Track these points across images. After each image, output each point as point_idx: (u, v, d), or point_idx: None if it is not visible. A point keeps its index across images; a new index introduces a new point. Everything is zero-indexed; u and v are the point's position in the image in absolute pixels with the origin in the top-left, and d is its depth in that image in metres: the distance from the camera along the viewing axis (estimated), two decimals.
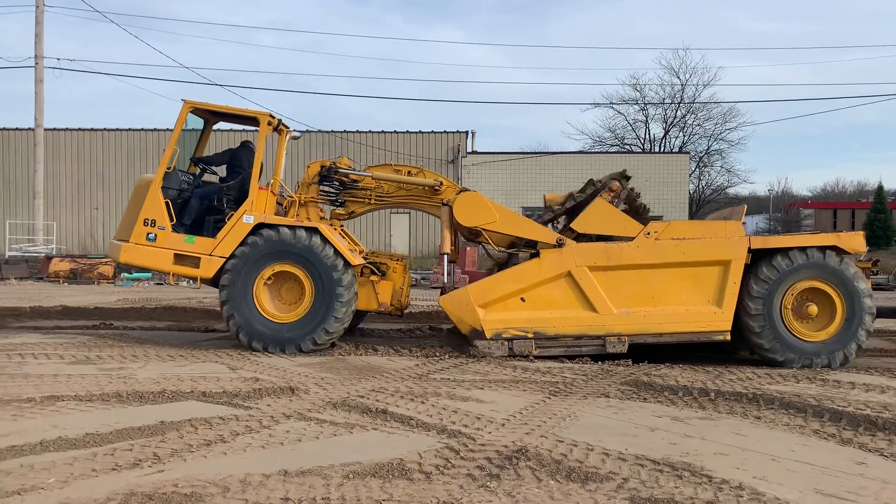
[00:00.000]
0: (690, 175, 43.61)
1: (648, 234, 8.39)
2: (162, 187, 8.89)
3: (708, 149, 53.69)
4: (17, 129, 34.77)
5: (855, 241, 8.34)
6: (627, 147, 53.52)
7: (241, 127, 9.69)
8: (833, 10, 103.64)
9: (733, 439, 5.16)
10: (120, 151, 34.76)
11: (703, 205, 52.23)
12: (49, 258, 22.01)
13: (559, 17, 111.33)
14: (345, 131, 34.83)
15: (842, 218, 79.78)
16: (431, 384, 6.79)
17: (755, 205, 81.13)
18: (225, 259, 8.69)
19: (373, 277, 9.42)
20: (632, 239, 8.41)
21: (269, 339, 8.56)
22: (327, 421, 5.45)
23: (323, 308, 8.57)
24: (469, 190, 9.28)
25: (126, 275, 20.50)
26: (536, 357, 8.27)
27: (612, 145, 53.76)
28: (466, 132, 35.65)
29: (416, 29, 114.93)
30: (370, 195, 9.63)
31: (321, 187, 9.62)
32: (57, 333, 9.99)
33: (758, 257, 8.34)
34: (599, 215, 8.65)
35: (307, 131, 34.72)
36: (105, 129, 34.91)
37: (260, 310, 8.61)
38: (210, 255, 8.74)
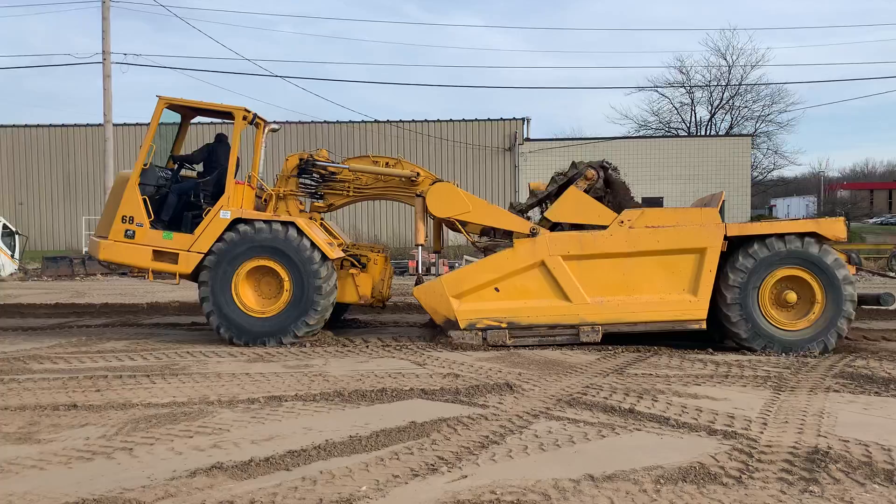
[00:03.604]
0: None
1: (622, 222, 8.26)
2: (139, 184, 8.81)
3: (755, 131, 52.79)
4: (75, 125, 35.00)
5: (835, 228, 8.10)
6: (673, 131, 52.79)
7: (220, 121, 9.68)
8: None
9: None
10: (186, 146, 34.87)
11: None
12: None
13: (579, 3, 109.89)
14: (400, 121, 34.60)
15: (879, 198, 78.17)
16: (641, 381, 6.59)
17: (791, 187, 79.63)
18: (203, 254, 8.63)
19: (352, 270, 9.37)
20: (605, 227, 8.27)
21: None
22: (580, 421, 5.28)
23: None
24: (442, 181, 9.09)
25: None
26: (714, 350, 8.04)
27: (657, 129, 53.06)
28: (523, 119, 35.16)
29: (434, 17, 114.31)
30: (348, 187, 9.50)
31: (300, 180, 9.48)
32: (201, 331, 9.94)
33: (735, 245, 8.12)
34: (573, 204, 8.53)
35: (367, 121, 34.57)
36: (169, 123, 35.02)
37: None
38: (188, 250, 8.69)
